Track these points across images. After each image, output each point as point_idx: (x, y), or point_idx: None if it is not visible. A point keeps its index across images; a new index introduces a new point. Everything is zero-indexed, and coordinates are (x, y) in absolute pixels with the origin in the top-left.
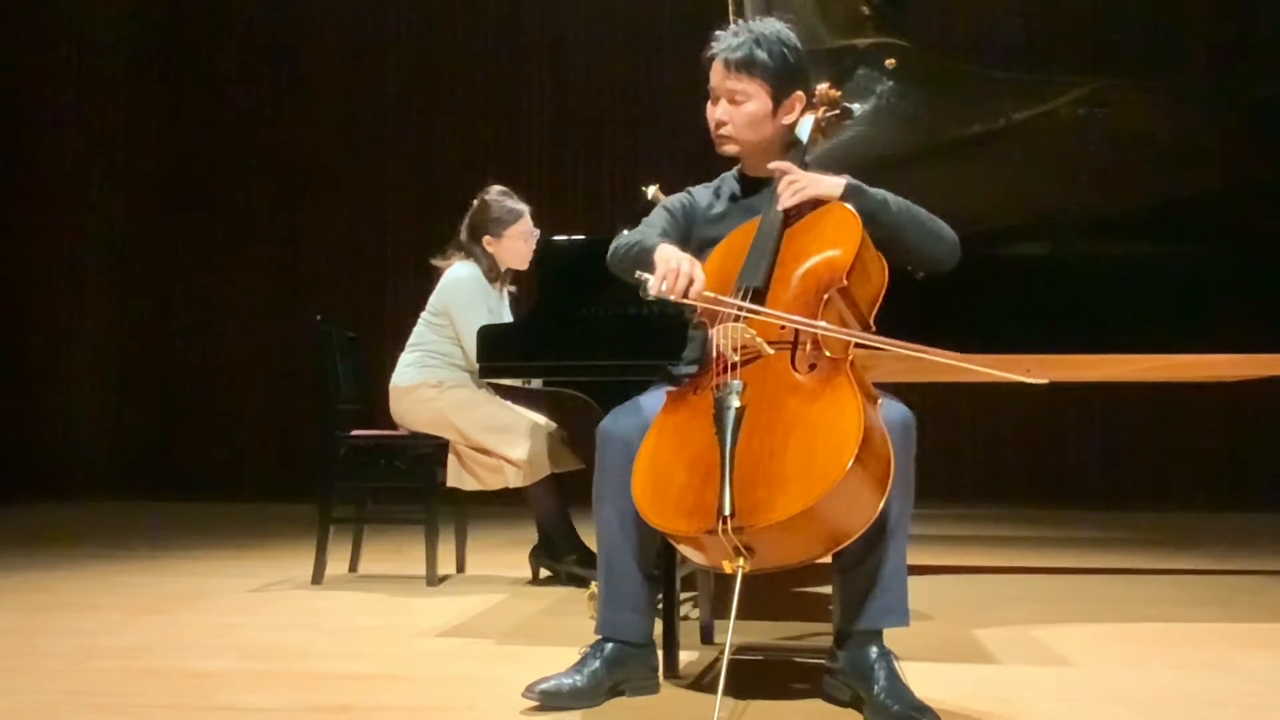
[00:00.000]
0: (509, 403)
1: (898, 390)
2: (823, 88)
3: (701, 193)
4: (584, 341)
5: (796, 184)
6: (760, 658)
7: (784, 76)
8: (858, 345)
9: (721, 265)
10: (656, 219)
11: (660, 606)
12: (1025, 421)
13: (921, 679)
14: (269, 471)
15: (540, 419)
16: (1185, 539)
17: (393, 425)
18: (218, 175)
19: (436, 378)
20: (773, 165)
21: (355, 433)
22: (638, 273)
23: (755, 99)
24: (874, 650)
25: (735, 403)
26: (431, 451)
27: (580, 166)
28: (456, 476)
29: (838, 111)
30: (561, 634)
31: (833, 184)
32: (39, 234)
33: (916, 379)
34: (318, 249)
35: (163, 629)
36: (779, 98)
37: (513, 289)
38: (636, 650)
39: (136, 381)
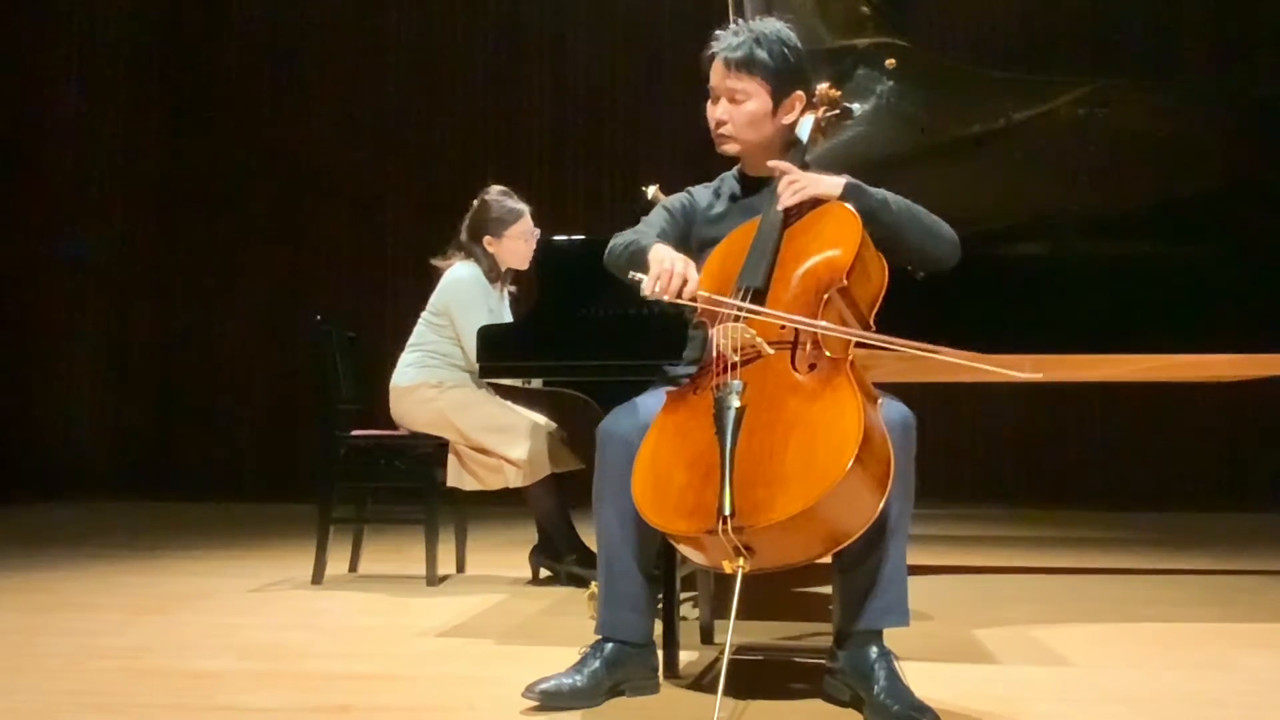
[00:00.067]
0: (509, 403)
1: (898, 390)
2: (823, 88)
3: (701, 193)
4: (584, 341)
5: (796, 184)
6: (760, 658)
7: (784, 76)
8: (858, 345)
9: (721, 265)
10: (656, 219)
11: (660, 606)
12: (1025, 421)
13: (921, 679)
14: (269, 471)
15: (540, 419)
16: (1185, 539)
17: (393, 425)
18: (218, 175)
19: (436, 378)
20: (772, 164)
21: (355, 433)
22: (631, 273)
23: (755, 98)
24: (874, 650)
25: (735, 403)
26: (431, 451)
27: (580, 166)
28: (456, 476)
29: (838, 111)
30: (561, 634)
31: (832, 183)
32: (39, 234)
33: (916, 379)
34: (318, 249)
35: (163, 629)
36: (779, 97)
37: (513, 289)
38: (636, 650)
39: (136, 381)
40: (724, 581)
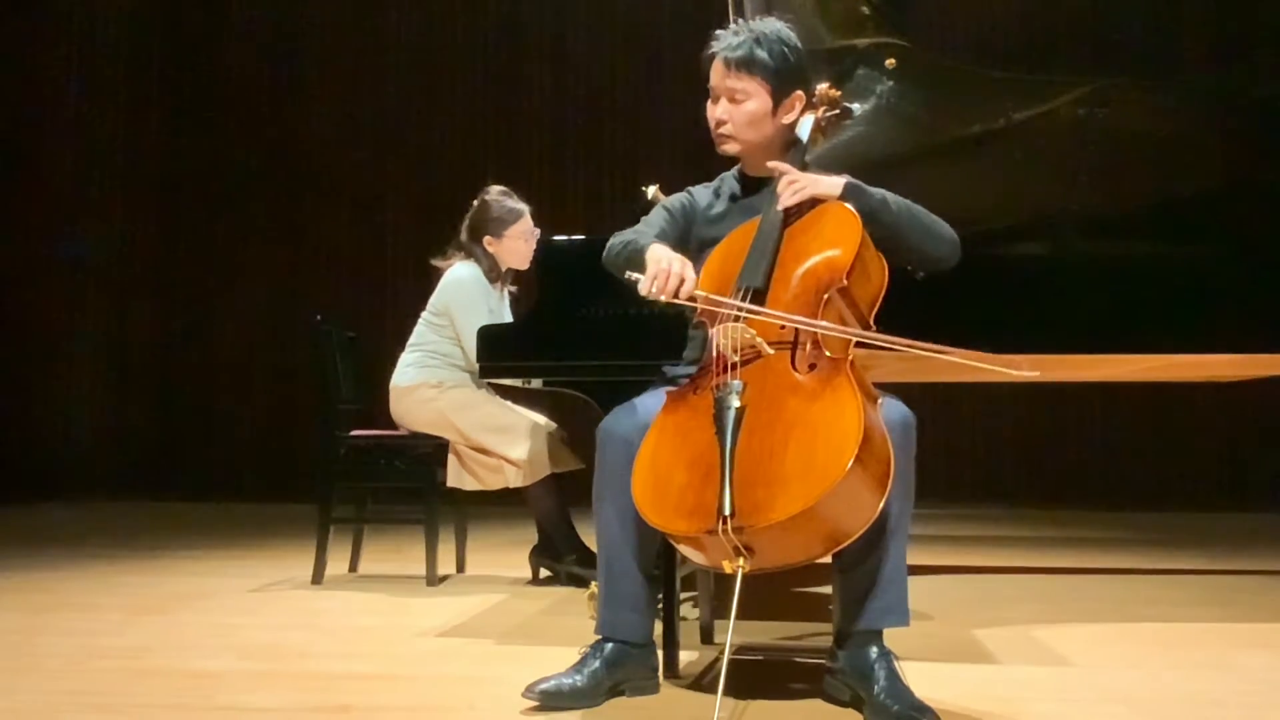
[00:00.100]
0: (509, 403)
1: (898, 390)
2: (823, 87)
3: (701, 193)
4: (584, 341)
5: (796, 184)
6: (760, 658)
7: (784, 75)
8: (858, 345)
9: (721, 265)
10: (655, 218)
11: (660, 606)
12: (1025, 421)
13: (921, 679)
14: (269, 471)
15: (540, 419)
16: (1185, 539)
17: (393, 425)
18: (218, 175)
19: (437, 378)
20: (771, 165)
21: (355, 433)
22: (628, 273)
23: (755, 98)
24: (874, 650)
25: (735, 403)
26: (431, 451)
27: (580, 166)
28: (456, 476)
29: (838, 111)
30: (561, 634)
31: (832, 184)
32: (39, 234)
33: (917, 379)
34: (318, 249)
35: (163, 629)
36: (779, 97)
37: (513, 289)
38: (636, 650)
39: (136, 382)
40: (724, 581)
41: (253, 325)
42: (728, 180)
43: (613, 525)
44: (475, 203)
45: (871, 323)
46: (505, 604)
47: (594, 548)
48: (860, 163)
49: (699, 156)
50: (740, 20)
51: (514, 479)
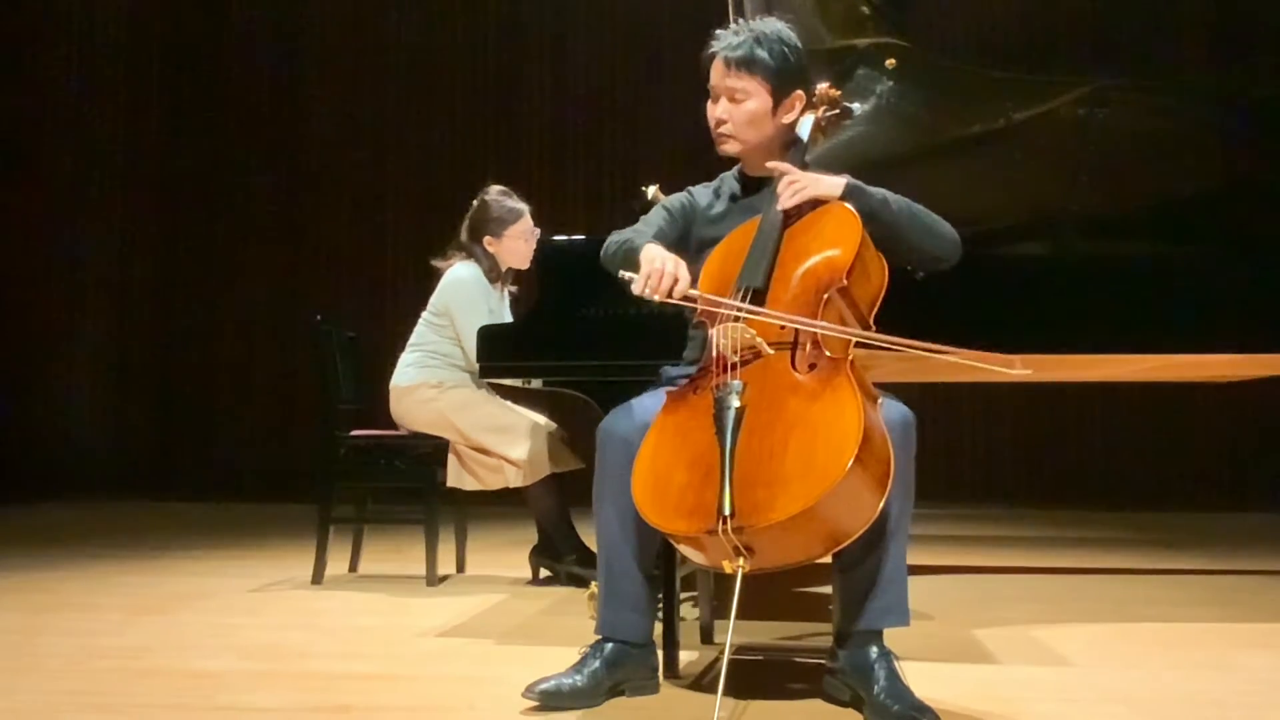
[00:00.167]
0: (509, 403)
1: (898, 390)
2: (823, 87)
3: (701, 193)
4: (584, 341)
5: (796, 184)
6: (760, 658)
7: (784, 75)
8: (858, 345)
9: (721, 265)
10: (654, 218)
11: (660, 606)
12: (1025, 421)
13: (921, 679)
14: (269, 471)
15: (540, 419)
16: (1185, 539)
17: (393, 425)
18: (217, 175)
19: (437, 378)
20: (771, 165)
21: (355, 433)
22: (622, 272)
23: (755, 97)
24: (874, 650)
25: (735, 403)
26: (431, 451)
27: (580, 166)
28: (456, 476)
29: (838, 111)
30: (561, 634)
31: (832, 184)
32: (39, 234)
33: (916, 379)
34: (318, 249)
35: (163, 629)
36: (779, 96)
37: (513, 289)
38: (636, 650)
39: (136, 382)
40: (724, 581)
41: (253, 325)
42: (728, 180)
43: (613, 525)
44: (475, 203)
45: (871, 323)
46: (505, 604)
47: (594, 548)
48: (860, 163)
49: (699, 156)
50: (740, 20)
51: (514, 479)
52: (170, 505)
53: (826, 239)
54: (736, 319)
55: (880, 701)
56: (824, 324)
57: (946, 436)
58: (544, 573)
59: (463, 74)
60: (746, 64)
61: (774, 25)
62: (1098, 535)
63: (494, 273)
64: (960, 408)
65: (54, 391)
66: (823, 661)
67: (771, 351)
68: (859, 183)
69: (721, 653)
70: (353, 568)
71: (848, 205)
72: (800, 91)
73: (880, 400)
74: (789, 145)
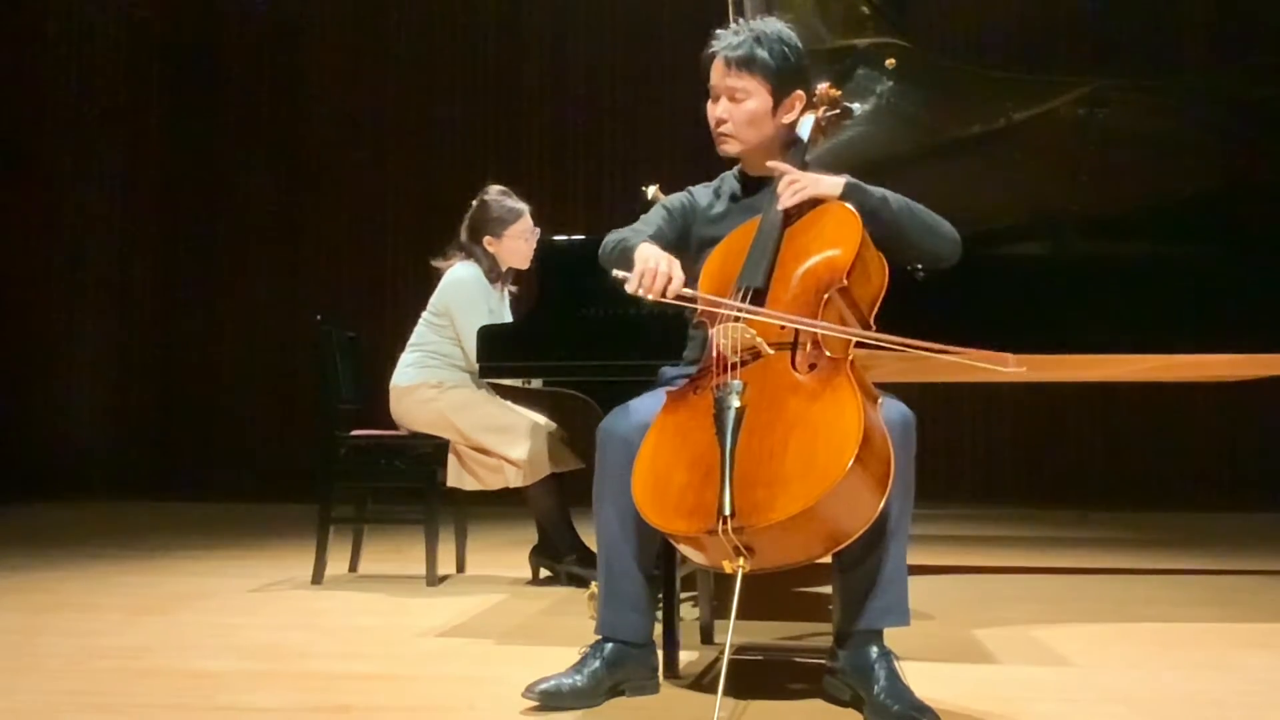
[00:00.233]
0: (509, 403)
1: (898, 390)
2: (823, 87)
3: (702, 192)
4: (584, 341)
5: (796, 184)
6: (760, 658)
7: (784, 75)
8: (858, 345)
9: (722, 265)
10: (653, 217)
11: (660, 606)
12: (1025, 421)
13: (921, 679)
14: (269, 471)
15: (540, 419)
16: (1185, 539)
17: (393, 425)
18: (217, 176)
19: (437, 378)
20: (771, 165)
21: (355, 433)
22: (616, 271)
23: (755, 97)
24: (874, 650)
25: (735, 403)
26: (431, 451)
27: (580, 166)
28: (456, 476)
29: (838, 111)
30: (561, 634)
31: (832, 183)
32: (39, 234)
33: (916, 379)
34: (318, 249)
35: (163, 629)
36: (779, 96)
37: (513, 289)
38: (636, 650)
39: (137, 381)
40: (724, 581)
41: (253, 325)
42: (728, 180)
43: (613, 525)
44: (475, 203)
45: (872, 323)
46: (505, 604)
47: (594, 548)
48: (860, 163)
49: (699, 156)
50: (740, 20)
51: (514, 479)
52: (170, 505)
53: (827, 239)
54: (736, 319)
55: (880, 701)
56: (824, 324)
57: (946, 436)
58: (544, 573)
59: (463, 74)
60: (747, 64)
61: (774, 25)
62: (1098, 535)
63: (494, 273)
64: (960, 408)
65: (54, 391)
66: (823, 661)
67: (771, 351)
68: (859, 182)
69: (721, 653)
70: (353, 568)
71: (848, 205)
72: (800, 91)
73: (880, 400)
74: (789, 145)
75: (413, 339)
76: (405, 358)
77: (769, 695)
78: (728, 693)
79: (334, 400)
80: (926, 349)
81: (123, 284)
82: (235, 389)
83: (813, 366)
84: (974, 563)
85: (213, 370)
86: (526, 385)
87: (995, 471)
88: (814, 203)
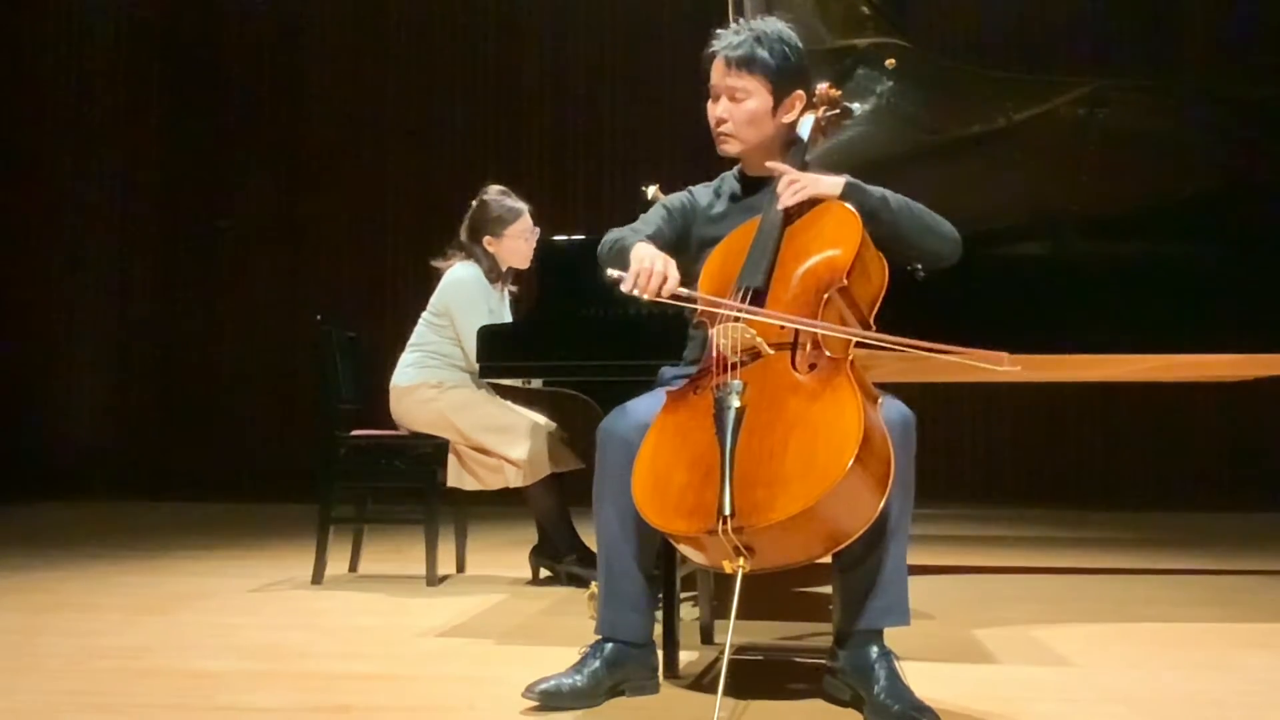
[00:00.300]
0: (509, 403)
1: (898, 390)
2: (823, 87)
3: (702, 192)
4: (584, 341)
5: (796, 184)
6: (760, 658)
7: (784, 74)
8: (858, 345)
9: (722, 265)
10: (653, 216)
11: (660, 606)
12: (1025, 421)
13: (921, 679)
14: (269, 471)
15: (540, 419)
16: (1185, 539)
17: (393, 425)
18: (217, 176)
19: (437, 378)
20: (771, 165)
21: (355, 433)
22: (610, 270)
23: (755, 96)
24: (874, 650)
25: (735, 403)
26: (431, 451)
27: (580, 166)
28: (456, 476)
29: (838, 111)
30: (561, 634)
31: (832, 183)
32: (39, 234)
33: (916, 379)
34: (318, 249)
35: (163, 629)
36: (779, 96)
37: (513, 289)
38: (636, 650)
39: (136, 381)
40: (724, 581)
41: (253, 325)
42: (728, 180)
43: (613, 525)
44: (474, 203)
45: (872, 323)
46: (505, 604)
47: (594, 548)
48: (860, 163)
49: (699, 156)
50: (740, 20)
51: (514, 479)
52: (170, 505)
53: (827, 239)
54: (736, 319)
55: (880, 701)
56: (824, 324)
57: (946, 436)
58: (544, 573)
59: (463, 74)
60: (747, 63)
61: (774, 25)
62: (1098, 535)
63: (494, 273)
64: (960, 408)
65: (54, 391)
66: (823, 661)
67: (771, 351)
68: (859, 182)
69: (721, 653)
70: (353, 568)
71: (848, 205)
72: (800, 91)
73: (880, 400)
74: (789, 145)
75: (413, 339)
76: (405, 358)
77: (769, 695)
78: (728, 693)
79: (334, 400)
80: (925, 349)
81: (123, 284)
82: (235, 389)
83: (813, 366)
84: (974, 563)
85: (212, 370)
86: (526, 385)
87: (995, 471)
88: (814, 203)
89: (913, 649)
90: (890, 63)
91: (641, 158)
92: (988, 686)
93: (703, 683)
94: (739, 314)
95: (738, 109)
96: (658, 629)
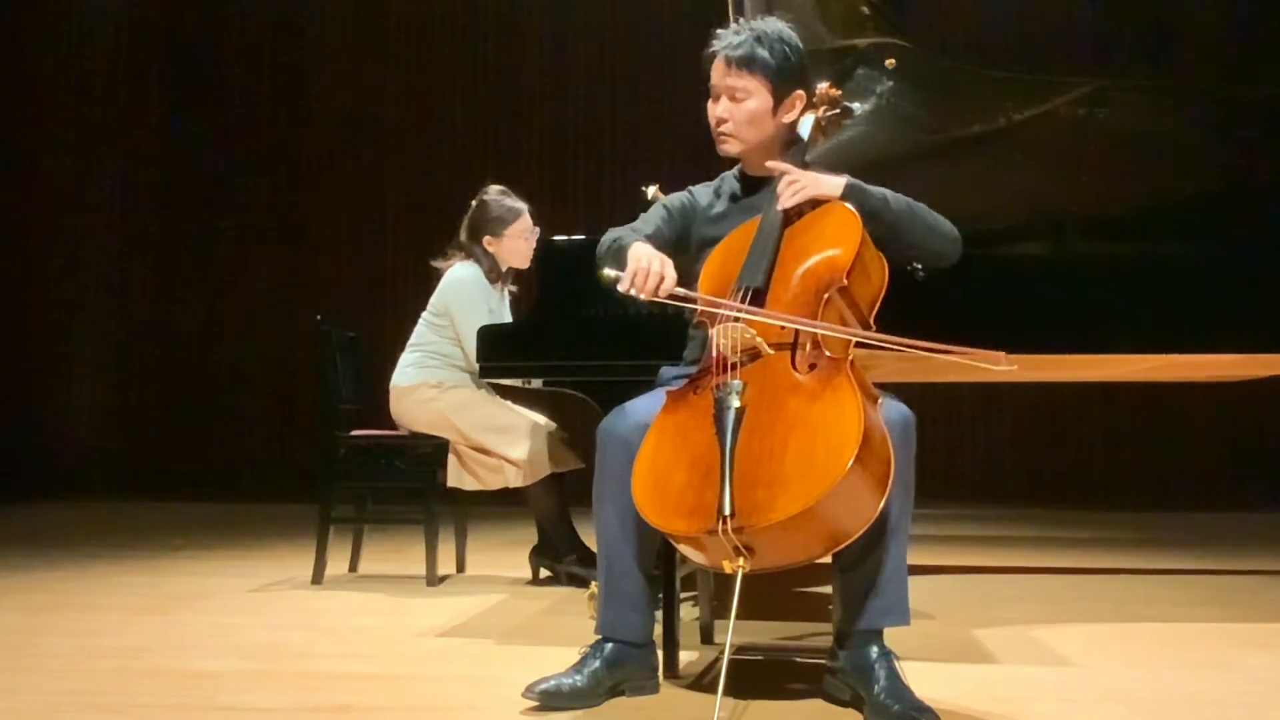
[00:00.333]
0: (509, 403)
1: (898, 390)
2: (823, 87)
3: (702, 192)
4: (584, 341)
5: (796, 184)
6: (760, 658)
7: (784, 74)
8: (858, 345)
9: (722, 265)
10: (653, 216)
11: (660, 606)
12: (1024, 421)
13: (921, 679)
14: (269, 471)
15: (540, 419)
16: (1185, 539)
17: (393, 425)
18: (217, 175)
19: (437, 378)
20: (771, 165)
21: (355, 433)
22: (607, 270)
23: (755, 96)
24: (874, 650)
25: (735, 403)
26: (431, 451)
27: (580, 166)
28: (456, 476)
29: (838, 111)
30: (561, 634)
31: (833, 183)
32: (39, 234)
33: (916, 379)
34: (318, 249)
35: (163, 629)
36: (779, 95)
37: (513, 289)
38: (636, 650)
39: (136, 381)
40: (724, 581)
41: (253, 325)
42: (728, 180)
43: (613, 525)
44: (474, 203)
45: (872, 323)
46: (505, 604)
47: (594, 548)
48: (860, 163)
49: (699, 156)
50: (740, 20)
51: (514, 479)
52: (170, 505)
53: (827, 239)
54: (736, 319)
55: (880, 701)
56: (824, 324)
57: (946, 436)
58: (544, 573)
59: (463, 74)
60: (747, 63)
61: (774, 25)
62: (1098, 535)
63: (494, 273)
64: (960, 408)
65: (54, 391)
66: (823, 661)
67: (771, 351)
68: (859, 182)
69: (721, 653)
70: (353, 568)
71: (848, 205)
72: (801, 91)
73: (880, 400)
74: (789, 145)
75: (413, 339)
76: (405, 358)
77: (769, 695)
78: (728, 693)
79: (334, 400)
80: (925, 349)
81: (123, 284)
82: (235, 389)
83: (813, 366)
84: (974, 563)
85: (212, 370)
86: (526, 385)
87: (995, 471)
88: (814, 203)
89: (913, 649)
90: (890, 63)
91: (641, 158)
92: (988, 686)
93: (703, 683)
94: (739, 314)
95: (738, 109)
96: (658, 629)
